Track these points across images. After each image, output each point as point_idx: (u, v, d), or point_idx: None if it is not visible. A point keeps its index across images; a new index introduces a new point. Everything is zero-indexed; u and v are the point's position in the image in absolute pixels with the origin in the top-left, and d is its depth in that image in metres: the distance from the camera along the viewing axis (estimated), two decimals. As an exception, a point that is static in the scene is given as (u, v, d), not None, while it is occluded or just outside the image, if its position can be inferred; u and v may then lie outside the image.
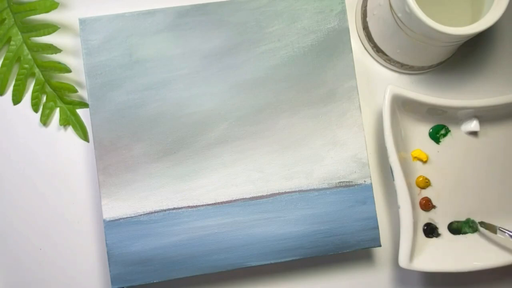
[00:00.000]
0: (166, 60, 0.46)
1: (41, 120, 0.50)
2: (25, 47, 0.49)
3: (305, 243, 0.46)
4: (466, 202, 0.50)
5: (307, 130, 0.46)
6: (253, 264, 0.45)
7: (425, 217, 0.50)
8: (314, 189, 0.46)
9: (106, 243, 0.44)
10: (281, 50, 0.46)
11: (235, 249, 0.45)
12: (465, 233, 0.49)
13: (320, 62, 0.47)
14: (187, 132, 0.46)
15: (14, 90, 0.50)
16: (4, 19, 0.49)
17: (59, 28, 0.48)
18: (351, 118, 0.46)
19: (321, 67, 0.46)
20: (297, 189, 0.46)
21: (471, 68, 0.53)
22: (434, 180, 0.50)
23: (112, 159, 0.45)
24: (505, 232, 0.47)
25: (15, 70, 0.50)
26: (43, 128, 0.50)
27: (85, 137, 0.50)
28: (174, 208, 0.45)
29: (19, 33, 0.49)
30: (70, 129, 0.50)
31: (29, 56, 0.49)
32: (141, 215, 0.45)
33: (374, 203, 0.46)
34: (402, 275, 0.51)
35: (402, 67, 0.51)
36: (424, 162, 0.50)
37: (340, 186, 0.46)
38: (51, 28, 0.48)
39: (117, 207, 0.45)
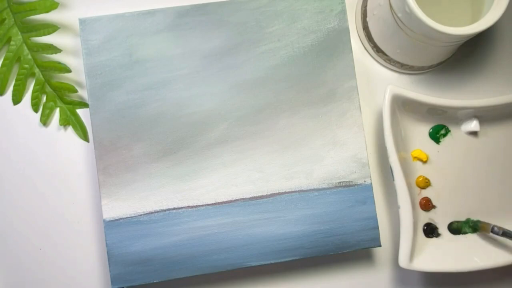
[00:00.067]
0: (166, 60, 0.46)
1: (41, 120, 0.50)
2: (25, 47, 0.49)
3: (305, 243, 0.46)
4: (466, 202, 0.50)
5: (307, 130, 0.46)
6: (253, 264, 0.45)
7: (425, 217, 0.50)
8: (314, 189, 0.46)
9: (106, 243, 0.44)
10: (281, 50, 0.46)
11: (235, 249, 0.45)
12: (465, 233, 0.49)
13: (320, 62, 0.47)
14: (187, 132, 0.46)
15: (14, 90, 0.50)
16: (4, 19, 0.49)
17: (59, 28, 0.48)
18: (351, 118, 0.46)
19: (321, 67, 0.46)
20: (297, 189, 0.46)
21: (471, 68, 0.53)
22: (434, 180, 0.50)
23: (112, 159, 0.45)
24: (499, 232, 0.47)
25: (15, 70, 0.50)
26: (43, 128, 0.50)
27: (85, 137, 0.50)
28: (174, 208, 0.45)
29: (19, 33, 0.49)
30: (70, 129, 0.50)
31: (29, 56, 0.49)
32: (141, 215, 0.45)
33: (374, 203, 0.46)
34: (402, 275, 0.51)
35: (402, 67, 0.51)
36: (424, 162, 0.50)
37: (340, 186, 0.46)
38: (51, 28, 0.48)
39: (117, 207, 0.45)
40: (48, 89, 0.50)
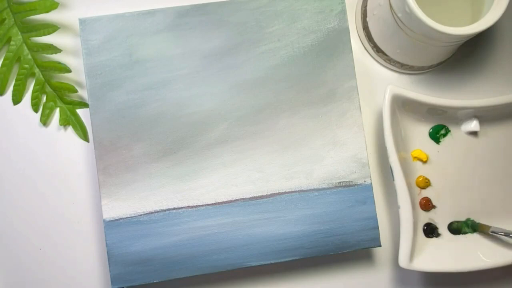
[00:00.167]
0: (166, 60, 0.46)
1: (41, 120, 0.50)
2: (25, 47, 0.49)
3: (305, 243, 0.46)
4: (466, 202, 0.50)
5: (307, 130, 0.46)
6: (253, 264, 0.45)
7: (425, 217, 0.50)
8: (314, 189, 0.46)
9: (106, 243, 0.44)
10: (281, 50, 0.46)
11: (235, 249, 0.45)
12: (465, 233, 0.49)
13: (320, 62, 0.47)
14: (187, 132, 0.46)
15: (14, 90, 0.50)
16: (4, 19, 0.49)
17: (59, 28, 0.48)
18: (351, 118, 0.46)
19: (321, 67, 0.46)
20: (297, 189, 0.46)
21: (471, 68, 0.53)
22: (434, 180, 0.50)
23: (112, 159, 0.45)
24: (497, 234, 0.47)
25: (15, 70, 0.50)
26: (43, 128, 0.50)
27: (85, 137, 0.50)
28: (174, 208, 0.45)
29: (19, 33, 0.49)
30: (70, 129, 0.50)
31: (29, 56, 0.49)
32: (141, 215, 0.45)
33: (374, 203, 0.46)
34: (402, 275, 0.51)
35: (402, 67, 0.51)
36: (424, 162, 0.50)
37: (340, 186, 0.46)
38: (51, 28, 0.48)
39: (117, 207, 0.45)
40: (48, 89, 0.50)
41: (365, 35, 0.51)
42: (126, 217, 0.45)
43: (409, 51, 0.49)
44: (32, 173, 0.50)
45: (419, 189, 0.50)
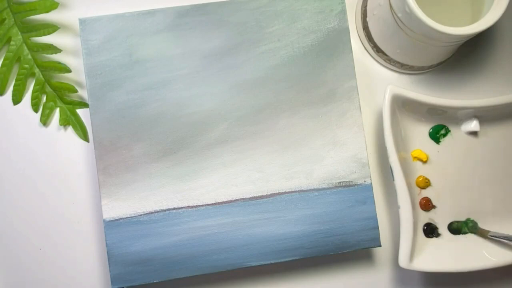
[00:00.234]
0: (166, 60, 0.46)
1: (41, 120, 0.50)
2: (25, 47, 0.49)
3: (305, 243, 0.46)
4: (466, 202, 0.50)
5: (307, 130, 0.46)
6: (253, 264, 0.45)
7: (425, 217, 0.50)
8: (314, 189, 0.46)
9: (106, 243, 0.44)
10: (281, 50, 0.46)
11: (235, 249, 0.45)
12: (465, 233, 0.49)
13: (320, 62, 0.47)
14: (187, 132, 0.46)
15: (14, 90, 0.50)
16: (4, 19, 0.49)
17: (59, 28, 0.48)
18: (351, 118, 0.46)
19: (321, 67, 0.46)
20: (297, 189, 0.46)
21: (471, 68, 0.53)
22: (434, 180, 0.50)
23: (112, 159, 0.45)
24: (495, 238, 0.47)
25: (15, 70, 0.50)
26: (43, 128, 0.50)
27: (85, 137, 0.50)
28: (174, 208, 0.45)
29: (19, 33, 0.49)
30: (70, 129, 0.50)
31: (29, 56, 0.49)
32: (141, 215, 0.45)
33: (374, 203, 0.46)
34: (402, 275, 0.51)
35: (402, 67, 0.51)
36: (424, 162, 0.50)
37: (340, 186, 0.46)
38: (51, 28, 0.48)
39: (117, 207, 0.45)
40: (48, 89, 0.50)
41: (365, 35, 0.51)
42: (126, 217, 0.45)
43: (409, 51, 0.49)
44: (32, 173, 0.50)
45: (419, 189, 0.50)
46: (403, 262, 0.46)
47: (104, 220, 0.45)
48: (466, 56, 0.53)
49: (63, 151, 0.50)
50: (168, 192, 0.45)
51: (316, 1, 0.47)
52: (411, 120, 0.50)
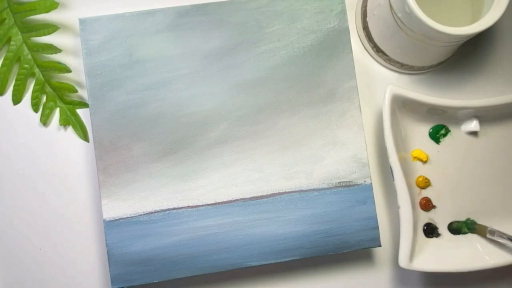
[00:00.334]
0: (166, 60, 0.46)
1: (41, 120, 0.50)
2: (25, 47, 0.49)
3: (305, 243, 0.46)
4: (466, 202, 0.50)
5: (307, 130, 0.46)
6: (253, 264, 0.45)
7: (425, 217, 0.50)
8: (314, 189, 0.46)
9: (106, 243, 0.44)
10: (281, 50, 0.46)
11: (235, 249, 0.45)
12: (465, 233, 0.49)
13: (320, 62, 0.47)
14: (187, 132, 0.46)
15: (14, 90, 0.50)
16: (4, 19, 0.49)
17: (59, 28, 0.48)
18: (351, 118, 0.46)
19: (321, 67, 0.46)
20: (297, 189, 0.46)
21: (471, 68, 0.53)
22: (434, 180, 0.50)
23: (112, 159, 0.45)
24: (494, 234, 0.47)
25: (15, 70, 0.50)
26: (43, 128, 0.50)
27: (85, 137, 0.50)
28: (174, 208, 0.45)
29: (19, 33, 0.49)
30: (70, 129, 0.50)
31: (29, 56, 0.49)
32: (141, 215, 0.45)
33: (374, 203, 0.46)
34: (402, 275, 0.51)
35: (402, 67, 0.51)
36: (424, 162, 0.50)
37: (340, 186, 0.46)
38: (51, 28, 0.48)
39: (117, 207, 0.45)
40: (48, 89, 0.50)
41: (365, 35, 0.51)
42: (126, 217, 0.45)
43: (409, 51, 0.49)
44: (32, 173, 0.50)
45: (419, 189, 0.50)
46: (403, 262, 0.46)
47: (104, 220, 0.45)
48: (466, 56, 0.53)
49: (63, 151, 0.50)
50: (168, 192, 0.45)
51: (316, 1, 0.47)
52: (411, 120, 0.50)
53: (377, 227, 0.46)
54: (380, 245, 0.46)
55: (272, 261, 0.45)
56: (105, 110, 0.45)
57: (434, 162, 0.50)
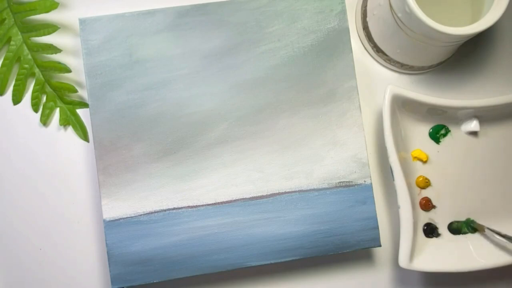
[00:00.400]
0: (166, 60, 0.46)
1: (41, 120, 0.50)
2: (25, 47, 0.49)
3: (305, 243, 0.46)
4: (466, 202, 0.50)
5: (307, 130, 0.46)
6: (253, 264, 0.45)
7: (425, 217, 0.50)
8: (314, 189, 0.46)
9: (106, 243, 0.44)
10: (281, 50, 0.46)
11: (235, 249, 0.45)
12: (465, 233, 0.49)
13: (320, 62, 0.47)
14: (187, 132, 0.46)
15: (14, 90, 0.50)
16: (4, 19, 0.49)
17: (59, 28, 0.48)
18: (351, 118, 0.46)
19: (321, 67, 0.46)
20: (297, 189, 0.46)
21: (471, 68, 0.53)
22: (434, 180, 0.50)
23: (112, 159, 0.45)
24: (492, 232, 0.47)
25: (15, 70, 0.50)
26: (43, 128, 0.50)
27: (85, 137, 0.50)
28: (174, 208, 0.45)
29: (19, 33, 0.49)
30: (70, 129, 0.50)
31: (29, 56, 0.49)
32: (141, 215, 0.45)
33: (374, 203, 0.46)
34: (402, 275, 0.51)
35: (402, 67, 0.51)
36: (424, 162, 0.50)
37: (340, 186, 0.46)
38: (51, 28, 0.48)
39: (117, 207, 0.45)
40: (48, 89, 0.50)
41: (365, 35, 0.51)
42: (126, 217, 0.45)
43: (409, 51, 0.49)
44: (32, 173, 0.50)
45: (419, 189, 0.50)
46: (403, 262, 0.46)
47: (104, 220, 0.45)
48: (466, 56, 0.53)
49: (63, 151, 0.50)
50: (168, 192, 0.45)
51: (316, 1, 0.47)
52: (411, 120, 0.50)
53: (377, 227, 0.46)
54: (380, 245, 0.46)
55: (272, 261, 0.45)
56: (105, 110, 0.45)
57: (434, 162, 0.50)
